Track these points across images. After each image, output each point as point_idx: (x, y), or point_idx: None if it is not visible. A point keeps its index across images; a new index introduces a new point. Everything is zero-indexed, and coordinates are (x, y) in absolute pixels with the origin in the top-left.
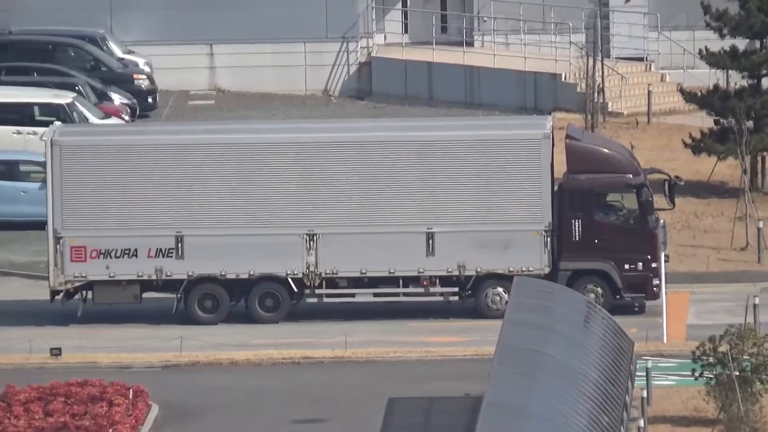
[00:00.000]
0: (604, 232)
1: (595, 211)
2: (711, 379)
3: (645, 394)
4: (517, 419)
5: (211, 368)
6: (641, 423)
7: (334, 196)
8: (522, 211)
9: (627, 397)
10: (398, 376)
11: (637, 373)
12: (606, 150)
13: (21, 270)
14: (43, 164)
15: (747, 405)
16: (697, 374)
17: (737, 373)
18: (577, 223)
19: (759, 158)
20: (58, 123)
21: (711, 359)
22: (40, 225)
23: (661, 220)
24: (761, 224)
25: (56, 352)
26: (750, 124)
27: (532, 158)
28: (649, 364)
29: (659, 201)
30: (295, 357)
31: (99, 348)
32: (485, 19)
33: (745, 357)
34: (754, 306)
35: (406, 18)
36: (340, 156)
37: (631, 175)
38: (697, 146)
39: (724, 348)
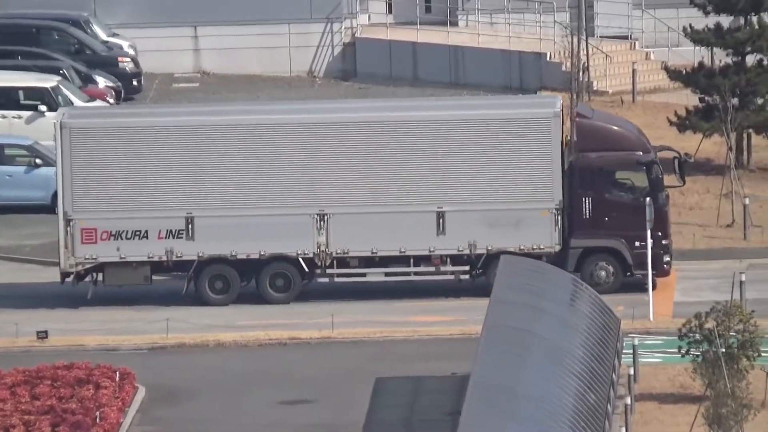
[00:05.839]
0: (614, 210)
1: (606, 189)
2: (697, 356)
3: (632, 372)
4: (504, 398)
5: (198, 350)
6: (628, 400)
7: (344, 176)
8: (532, 190)
9: (614, 374)
10: (385, 356)
11: (624, 351)
12: (616, 128)
13: (7, 254)
14: (28, 148)
15: (733, 381)
16: (683, 351)
17: (723, 350)
18: (587, 201)
19: (744, 135)
20: (67, 106)
21: (697, 336)
22: (26, 209)
23: (647, 199)
24: (747, 201)
25: (42, 335)
26: (735, 101)
27: (543, 137)
28: (636, 342)
29: (669, 178)
30: (282, 338)
31: (85, 330)
32: None
33: (731, 334)
34: (740, 283)
35: None
36: (351, 135)
37: (641, 153)
38: (682, 124)
39: (710, 325)
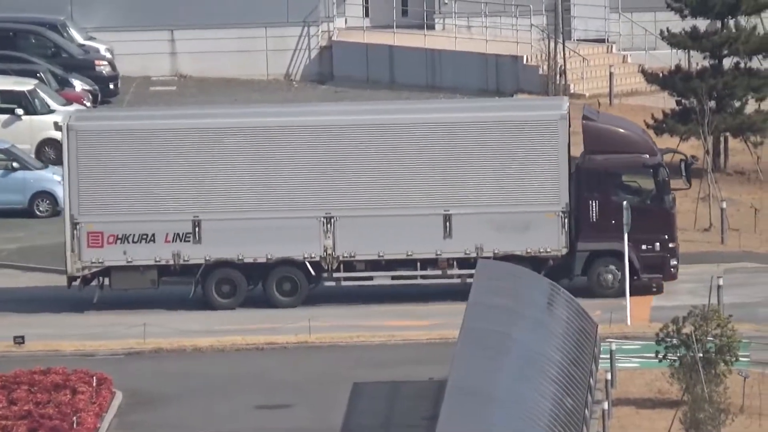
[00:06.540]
0: (621, 213)
1: (613, 192)
2: (675, 360)
3: (609, 377)
4: (481, 402)
5: (175, 355)
6: (605, 405)
7: (351, 179)
8: (539, 193)
9: (591, 379)
10: (362, 361)
11: (601, 356)
12: (623, 130)
13: None
14: (5, 151)
15: (711, 386)
16: (660, 356)
17: (701, 355)
18: (594, 204)
19: (721, 138)
20: (74, 108)
21: (675, 341)
22: (3, 213)
23: (624, 202)
24: (724, 205)
25: (19, 340)
26: (712, 104)
27: (549, 139)
28: (613, 347)
29: (675, 181)
30: (259, 343)
31: (62, 336)
32: (446, 1)
33: (709, 338)
34: (718, 287)
35: (366, 1)
36: (358, 138)
37: (647, 155)
38: (659, 127)
39: (687, 329)
